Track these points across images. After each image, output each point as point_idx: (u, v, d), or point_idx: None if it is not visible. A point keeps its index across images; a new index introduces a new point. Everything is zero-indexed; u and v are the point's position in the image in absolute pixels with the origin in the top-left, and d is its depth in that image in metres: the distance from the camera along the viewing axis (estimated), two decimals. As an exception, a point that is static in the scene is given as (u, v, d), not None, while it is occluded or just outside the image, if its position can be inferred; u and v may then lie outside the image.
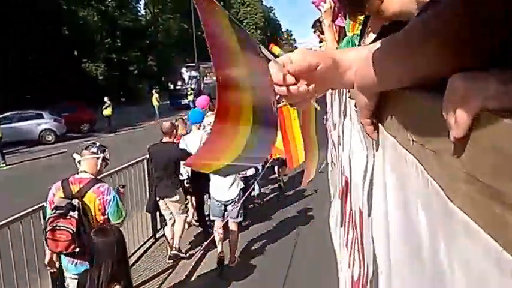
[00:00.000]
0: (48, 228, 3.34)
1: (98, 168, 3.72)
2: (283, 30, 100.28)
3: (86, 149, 3.76)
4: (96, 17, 37.86)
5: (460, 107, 0.35)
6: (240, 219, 5.75)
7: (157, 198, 5.83)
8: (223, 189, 5.54)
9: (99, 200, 3.53)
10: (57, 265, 3.77)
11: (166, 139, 5.95)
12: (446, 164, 0.40)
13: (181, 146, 6.21)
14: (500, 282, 0.30)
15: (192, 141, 6.30)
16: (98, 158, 3.70)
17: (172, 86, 32.46)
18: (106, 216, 3.56)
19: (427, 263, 0.48)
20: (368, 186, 0.82)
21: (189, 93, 28.05)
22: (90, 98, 24.90)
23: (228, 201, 5.58)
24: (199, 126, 6.61)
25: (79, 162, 3.69)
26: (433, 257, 0.45)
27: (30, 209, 4.13)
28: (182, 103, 28.89)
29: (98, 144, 3.85)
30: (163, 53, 43.32)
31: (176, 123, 6.85)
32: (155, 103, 26.09)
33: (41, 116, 19.21)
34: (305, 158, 2.48)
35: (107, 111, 21.26)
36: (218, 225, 5.71)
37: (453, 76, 0.37)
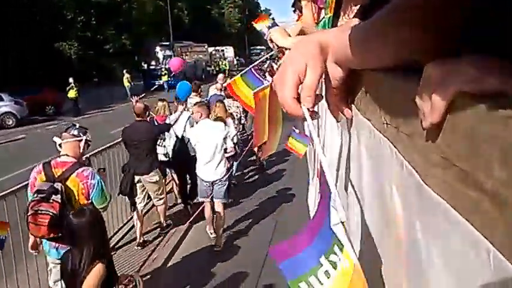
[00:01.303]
0: (30, 212, 3.27)
1: (81, 151, 3.64)
2: (261, 8, 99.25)
3: (66, 131, 3.65)
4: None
5: (436, 91, 0.35)
6: (225, 200, 5.86)
7: (136, 179, 5.75)
8: (209, 169, 5.64)
9: (83, 184, 3.46)
10: (40, 248, 3.72)
11: (139, 118, 5.90)
12: (421, 147, 0.40)
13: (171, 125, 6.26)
14: (475, 263, 0.31)
15: (178, 120, 6.39)
16: (80, 141, 3.61)
17: (146, 66, 31.88)
18: (90, 201, 3.50)
19: (403, 244, 0.48)
20: (343, 168, 0.82)
21: (163, 73, 27.40)
22: (62, 79, 24.06)
23: (215, 181, 5.69)
24: (185, 106, 6.65)
25: (60, 145, 3.59)
26: (409, 237, 0.46)
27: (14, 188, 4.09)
28: (156, 83, 28.46)
29: (78, 125, 3.74)
30: (137, 32, 42.32)
31: (162, 104, 6.90)
32: (126, 84, 25.41)
33: (0, 99, 18.07)
34: (268, 131, 2.51)
35: (72, 93, 20.16)
36: (207, 206, 5.84)
37: (428, 64, 0.38)
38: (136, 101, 6.41)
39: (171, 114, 6.95)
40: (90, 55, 36.88)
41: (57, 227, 3.27)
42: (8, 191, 4.17)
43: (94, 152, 5.64)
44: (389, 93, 0.52)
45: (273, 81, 0.70)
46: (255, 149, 8.83)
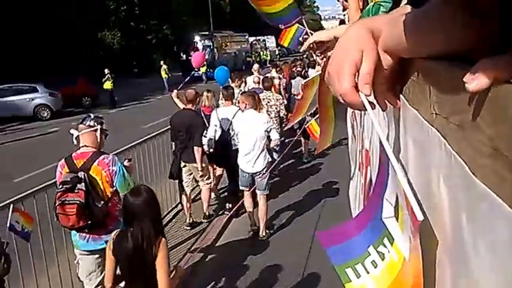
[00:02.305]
0: (57, 203, 3.44)
1: (99, 140, 3.77)
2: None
3: (81, 123, 3.80)
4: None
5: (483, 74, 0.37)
6: (267, 191, 6.02)
7: (182, 164, 6.21)
8: (249, 161, 5.80)
9: (105, 171, 3.60)
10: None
11: (188, 107, 6.28)
12: (471, 138, 0.41)
13: (213, 118, 6.56)
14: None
15: (224, 113, 6.61)
16: (96, 131, 3.74)
17: (185, 57, 32.25)
18: (115, 188, 3.64)
19: (449, 236, 0.50)
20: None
21: (202, 64, 27.82)
22: (99, 70, 24.78)
23: (255, 173, 5.83)
24: (231, 101, 6.88)
25: (77, 138, 3.74)
26: (455, 230, 0.47)
27: (32, 190, 4.20)
28: (195, 75, 28.86)
29: (92, 116, 3.88)
30: (178, 21, 43.04)
31: (208, 94, 7.15)
32: (164, 75, 25.66)
33: (35, 90, 18.29)
34: (320, 125, 2.56)
35: (108, 85, 20.42)
36: (246, 195, 6.03)
37: (481, 60, 0.39)
38: (184, 89, 6.97)
39: (217, 106, 7.18)
40: (132, 45, 37.92)
41: (85, 215, 3.44)
42: (36, 188, 4.26)
43: (121, 149, 5.69)
44: (440, 82, 0.52)
45: (325, 72, 0.70)
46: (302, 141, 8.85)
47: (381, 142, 0.61)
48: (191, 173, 6.35)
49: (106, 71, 20.44)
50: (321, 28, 45.82)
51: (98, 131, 3.75)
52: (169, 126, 6.65)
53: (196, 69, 15.34)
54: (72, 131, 3.80)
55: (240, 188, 6.15)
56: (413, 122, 0.63)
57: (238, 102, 6.53)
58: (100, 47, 33.89)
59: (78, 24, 29.46)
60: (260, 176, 5.85)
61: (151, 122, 13.75)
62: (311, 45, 2.04)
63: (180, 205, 6.90)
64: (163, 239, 2.94)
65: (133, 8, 40.60)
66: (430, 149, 0.55)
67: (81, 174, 3.49)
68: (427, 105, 0.56)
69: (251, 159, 5.81)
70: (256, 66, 12.22)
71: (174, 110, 6.90)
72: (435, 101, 0.53)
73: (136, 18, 40.30)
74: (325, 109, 2.53)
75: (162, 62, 26.48)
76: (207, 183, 6.41)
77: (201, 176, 6.27)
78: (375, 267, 0.55)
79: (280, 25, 5.76)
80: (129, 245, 2.87)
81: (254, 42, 43.08)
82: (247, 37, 41.08)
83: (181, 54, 32.36)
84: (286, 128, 8.08)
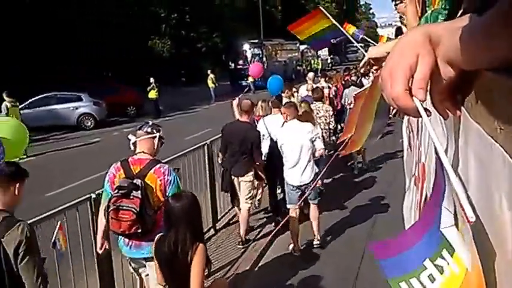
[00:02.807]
0: (112, 207, 3.53)
1: (155, 147, 3.87)
2: (360, 3, 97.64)
3: (139, 129, 3.92)
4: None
5: None
6: (318, 199, 5.98)
7: (232, 177, 6.14)
8: (296, 173, 5.74)
9: (160, 180, 3.67)
10: (106, 246, 3.96)
11: (244, 118, 6.19)
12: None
13: (260, 126, 6.54)
14: None
15: (272, 123, 6.61)
16: (154, 138, 3.86)
17: (233, 66, 32.59)
18: (166, 197, 3.65)
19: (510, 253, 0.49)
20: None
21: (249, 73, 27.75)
22: (145, 79, 25.29)
23: (303, 186, 5.77)
24: (279, 108, 6.82)
25: (134, 143, 3.86)
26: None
27: (74, 201, 4.24)
28: (243, 84, 29.13)
29: (151, 123, 4.01)
30: (228, 29, 43.77)
31: (263, 104, 7.18)
32: (210, 84, 25.70)
33: (79, 99, 18.48)
34: (356, 127, 2.62)
35: (152, 94, 20.53)
36: (293, 212, 5.90)
37: None
38: (240, 98, 6.87)
39: (267, 115, 7.16)
40: (181, 53, 38.89)
41: (138, 223, 3.52)
42: (68, 204, 4.20)
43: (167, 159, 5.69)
44: (506, 96, 0.52)
45: (379, 75, 0.72)
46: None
47: (437, 153, 0.61)
48: (239, 188, 6.28)
49: (151, 80, 20.53)
50: (376, 36, 45.12)
51: (156, 138, 3.88)
52: (211, 139, 6.68)
53: (253, 80, 15.54)
54: (130, 136, 3.93)
55: (288, 205, 6.06)
56: (475, 136, 0.63)
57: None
58: (149, 55, 34.97)
59: (129, 31, 30.56)
60: (309, 187, 5.82)
61: (194, 133, 13.91)
62: (367, 63, 2.13)
63: (218, 218, 6.98)
64: (200, 244, 2.98)
65: (184, 15, 41.77)
66: (492, 165, 0.55)
67: (138, 181, 3.56)
68: (491, 120, 0.55)
69: (298, 171, 5.76)
70: (311, 74, 12.25)
71: (221, 120, 6.94)
72: (500, 116, 0.53)
73: (187, 26, 41.40)
74: (366, 115, 2.57)
75: (209, 71, 26.66)
76: (247, 202, 6.23)
77: (244, 193, 6.16)
78: (433, 282, 0.55)
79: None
80: (167, 249, 2.96)
81: (305, 50, 42.99)
82: (298, 45, 41.07)
83: (230, 63, 32.74)
84: (338, 142, 8.02)
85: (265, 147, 6.58)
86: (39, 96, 18.06)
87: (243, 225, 6.24)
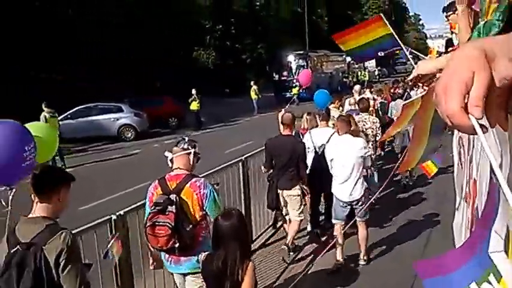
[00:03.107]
0: (148, 224, 3.65)
1: (191, 163, 3.96)
2: (410, 14, 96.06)
3: (176, 145, 4.02)
4: (209, 1, 39.61)
5: None
6: (367, 217, 5.90)
7: (278, 191, 6.17)
8: (346, 189, 5.70)
9: (197, 194, 3.73)
10: (160, 263, 4.00)
11: (286, 132, 6.22)
12: None
13: (306, 139, 6.56)
14: None
15: (319, 136, 6.61)
16: (189, 154, 3.94)
17: (277, 77, 32.72)
18: (204, 212, 3.77)
19: None
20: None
21: (293, 85, 27.21)
22: (187, 90, 24.28)
23: (353, 202, 5.73)
24: (328, 122, 6.87)
25: (171, 160, 3.96)
26: None
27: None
28: (287, 96, 29.02)
29: (187, 139, 4.09)
30: (272, 40, 44.24)
31: (308, 117, 7.18)
32: (253, 96, 25.75)
33: (120, 110, 18.65)
34: (410, 145, 2.70)
35: (194, 105, 20.67)
36: (338, 229, 5.85)
37: None
38: (285, 110, 6.88)
39: (312, 127, 7.11)
40: (225, 64, 39.59)
41: (174, 237, 3.59)
42: (98, 221, 4.13)
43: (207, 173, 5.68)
44: None
45: (431, 91, 0.73)
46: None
47: (492, 170, 0.63)
48: (285, 203, 6.32)
49: (193, 91, 20.68)
50: (426, 47, 44.24)
51: (191, 154, 3.96)
52: (246, 155, 6.67)
53: (301, 89, 15.49)
54: (166, 153, 4.03)
55: (334, 220, 6.00)
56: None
57: (334, 125, 6.51)
58: (194, 66, 35.72)
59: (172, 42, 31.29)
60: (359, 204, 5.76)
61: (235, 146, 13.86)
62: (416, 78, 2.15)
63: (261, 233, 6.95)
64: (250, 263, 3.02)
65: (230, 27, 42.57)
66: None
67: (172, 196, 3.65)
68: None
69: (348, 188, 5.71)
70: (357, 87, 12.12)
71: (263, 133, 7.00)
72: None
73: (232, 37, 42.17)
74: (420, 132, 2.60)
75: (252, 83, 26.76)
76: (299, 216, 6.27)
77: (293, 206, 6.21)
78: None
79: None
80: (216, 267, 2.98)
81: (352, 62, 42.69)
82: (344, 57, 40.77)
83: (274, 74, 32.89)
84: (380, 140, 8.01)
85: (308, 161, 6.54)
86: (81, 107, 18.45)
87: (291, 234, 6.29)
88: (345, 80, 38.38)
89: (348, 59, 41.58)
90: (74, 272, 2.63)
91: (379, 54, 4.93)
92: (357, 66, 42.76)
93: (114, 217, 4.15)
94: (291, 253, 6.30)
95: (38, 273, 2.53)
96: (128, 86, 24.64)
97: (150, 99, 21.28)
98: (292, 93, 27.26)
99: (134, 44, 26.24)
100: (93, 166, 13.96)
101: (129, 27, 26.87)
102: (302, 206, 6.31)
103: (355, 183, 5.69)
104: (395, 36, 4.51)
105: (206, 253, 3.21)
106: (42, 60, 21.36)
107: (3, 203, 2.83)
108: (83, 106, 18.42)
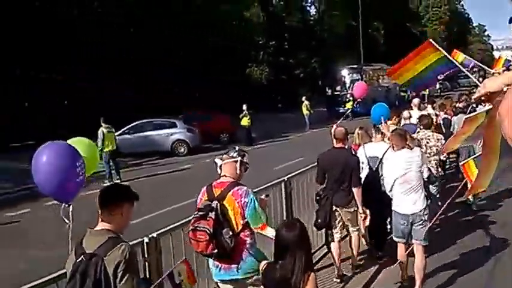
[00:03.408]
0: (190, 228, 3.80)
1: (238, 172, 4.04)
2: (473, 24, 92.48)
3: (226, 153, 4.15)
4: (262, 18, 40.02)
5: None
6: (426, 242, 5.60)
7: (333, 208, 5.99)
8: (407, 202, 5.53)
9: (238, 202, 3.84)
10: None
11: (339, 145, 6.11)
12: None
13: (359, 154, 6.41)
14: None
15: (372, 150, 6.48)
16: (236, 162, 4.04)
17: (330, 92, 32.16)
18: (246, 220, 3.85)
19: None
20: None
21: (347, 99, 27.00)
22: (237, 106, 24.19)
23: (413, 214, 5.51)
24: (382, 136, 6.72)
25: (220, 167, 4.07)
26: None
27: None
28: (340, 111, 28.37)
29: (237, 148, 4.20)
30: (326, 55, 43.93)
31: (360, 132, 7.05)
32: (305, 112, 25.58)
33: (174, 125, 19.30)
34: (481, 167, 2.67)
35: (245, 121, 20.80)
36: (401, 249, 5.70)
37: None
38: (337, 125, 6.81)
39: (365, 143, 6.94)
40: (279, 80, 39.54)
41: (212, 242, 3.71)
42: (137, 240, 4.00)
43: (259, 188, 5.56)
44: None
45: (496, 108, 0.74)
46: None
47: None
48: (341, 219, 6.13)
49: (244, 107, 20.88)
50: (492, 59, 42.16)
51: (238, 163, 4.06)
52: (289, 175, 6.46)
53: (356, 103, 15.07)
54: (216, 160, 4.16)
55: (394, 238, 5.82)
56: None
57: (389, 139, 6.34)
58: (247, 82, 35.92)
59: (227, 60, 31.49)
60: (419, 222, 5.52)
61: (285, 163, 13.69)
62: (482, 97, 2.10)
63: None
64: (312, 273, 3.07)
65: (283, 42, 42.58)
66: None
67: (214, 203, 3.79)
68: None
69: (409, 201, 5.55)
70: (416, 100, 11.62)
71: (314, 148, 6.78)
72: None
73: (285, 52, 42.13)
74: (490, 152, 2.53)
75: (303, 98, 26.57)
76: (357, 229, 6.20)
77: (351, 220, 6.09)
78: None
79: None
80: (278, 277, 3.04)
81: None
82: (402, 70, 39.55)
83: (327, 89, 32.33)
84: (443, 151, 7.64)
85: (362, 176, 6.33)
86: (137, 122, 19.31)
87: (356, 250, 6.22)
88: (403, 94, 37.01)
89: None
90: (129, 284, 2.75)
91: (439, 78, 4.81)
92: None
93: (146, 240, 4.05)
94: (347, 273, 6.14)
95: (98, 283, 2.69)
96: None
97: (202, 115, 21.88)
98: (345, 108, 26.70)
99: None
100: (146, 180, 14.31)
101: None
102: (360, 223, 6.17)
103: (416, 196, 5.52)
104: (450, 58, 4.48)
105: (266, 262, 3.34)
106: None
107: (65, 220, 3.10)
108: (139, 122, 19.30)
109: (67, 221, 3.09)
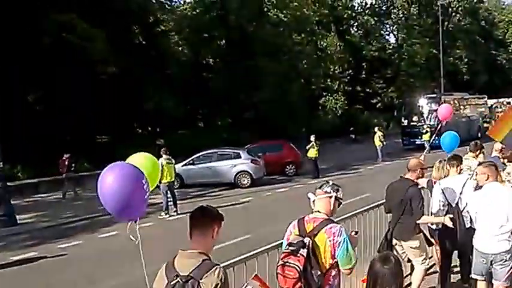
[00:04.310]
0: (280, 263, 3.73)
1: (332, 208, 3.94)
2: None
3: (319, 188, 4.04)
4: (339, 47, 39.68)
5: None
6: (508, 283, 5.25)
7: (394, 242, 5.87)
8: (491, 241, 5.20)
9: (330, 241, 3.72)
10: None
11: (407, 175, 5.96)
12: None
13: (436, 191, 6.09)
14: None
15: (449, 185, 6.10)
16: (330, 197, 3.94)
17: (406, 122, 30.58)
18: (335, 260, 3.73)
19: None
20: None
21: (424, 130, 25.50)
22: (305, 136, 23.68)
23: (495, 254, 5.18)
24: (458, 169, 6.27)
25: (313, 202, 3.99)
26: None
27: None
28: (417, 142, 26.58)
29: (331, 183, 4.09)
30: (404, 83, 42.48)
31: (438, 165, 6.66)
32: (378, 143, 24.14)
33: (238, 156, 19.06)
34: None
35: (312, 153, 19.90)
36: (481, 285, 5.39)
37: None
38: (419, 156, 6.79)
39: (441, 178, 6.51)
40: (353, 109, 38.56)
41: (301, 281, 3.62)
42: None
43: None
44: None
45: None
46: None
47: None
48: (404, 252, 5.97)
49: (312, 137, 20.12)
50: None
51: (333, 198, 3.98)
52: (367, 207, 6.36)
53: (429, 138, 14.03)
54: (309, 194, 4.06)
55: (473, 275, 5.47)
56: None
57: (473, 174, 6.12)
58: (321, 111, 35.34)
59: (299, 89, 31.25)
60: (500, 262, 5.15)
61: (348, 199, 12.76)
62: None
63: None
64: None
65: (360, 71, 41.63)
66: None
67: (306, 239, 3.71)
68: None
69: (492, 239, 5.20)
70: None
71: (383, 184, 6.43)
72: None
73: (361, 82, 41.13)
74: None
75: (376, 129, 25.17)
76: (422, 263, 5.93)
77: (415, 254, 5.91)
78: None
79: None
80: None
81: (495, 105, 38.50)
82: (485, 99, 36.97)
83: (403, 120, 30.75)
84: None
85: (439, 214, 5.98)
86: (202, 153, 19.45)
87: (415, 284, 5.91)
88: (486, 125, 34.39)
89: (491, 102, 37.64)
90: None
91: None
92: (500, 110, 38.48)
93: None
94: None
95: None
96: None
97: (269, 146, 21.65)
98: (422, 139, 25.13)
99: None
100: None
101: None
102: (423, 253, 5.92)
103: (502, 235, 5.15)
104: None
105: None
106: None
107: (132, 238, 3.09)
108: (204, 152, 19.44)
109: (133, 239, 3.10)
